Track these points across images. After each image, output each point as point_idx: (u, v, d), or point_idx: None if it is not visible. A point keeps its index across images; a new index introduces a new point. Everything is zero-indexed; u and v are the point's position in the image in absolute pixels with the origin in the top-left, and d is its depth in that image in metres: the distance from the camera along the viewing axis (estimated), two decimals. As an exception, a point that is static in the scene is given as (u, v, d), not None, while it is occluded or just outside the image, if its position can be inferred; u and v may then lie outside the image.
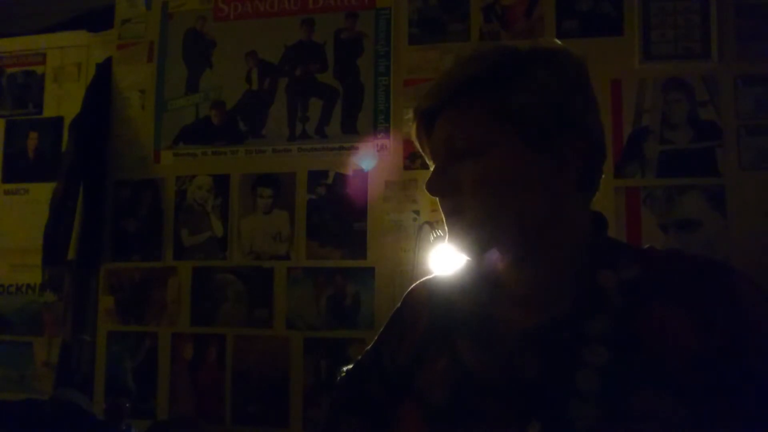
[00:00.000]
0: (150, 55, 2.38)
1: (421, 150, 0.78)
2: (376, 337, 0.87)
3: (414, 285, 0.88)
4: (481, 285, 0.77)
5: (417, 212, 2.07)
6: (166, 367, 2.22)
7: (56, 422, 1.84)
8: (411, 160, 2.11)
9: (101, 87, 2.38)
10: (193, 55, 2.35)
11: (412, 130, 0.77)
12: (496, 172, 0.69)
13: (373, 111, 2.17)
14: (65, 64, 2.50)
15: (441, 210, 0.74)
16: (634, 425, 0.61)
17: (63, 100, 2.48)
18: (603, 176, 0.75)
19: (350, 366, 0.87)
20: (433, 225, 1.87)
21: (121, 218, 2.33)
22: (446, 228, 0.74)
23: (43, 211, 2.31)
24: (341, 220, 2.15)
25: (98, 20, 2.45)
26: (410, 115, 2.07)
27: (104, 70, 2.40)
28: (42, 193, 2.39)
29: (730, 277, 0.66)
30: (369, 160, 2.15)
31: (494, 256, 0.76)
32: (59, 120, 2.46)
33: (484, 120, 0.70)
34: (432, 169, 0.74)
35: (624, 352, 0.64)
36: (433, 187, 0.73)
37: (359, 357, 0.88)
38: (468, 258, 0.76)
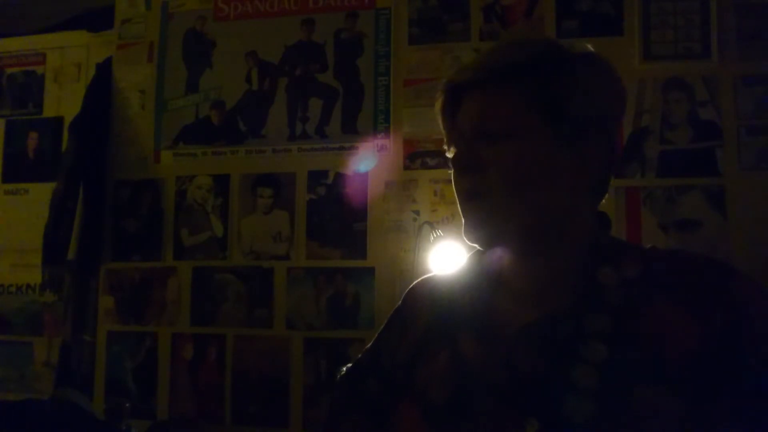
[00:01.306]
0: (150, 55, 2.38)
1: (441, 124, 0.78)
2: (376, 336, 0.88)
3: (414, 283, 0.88)
4: (482, 280, 0.78)
5: (417, 212, 2.07)
6: (166, 367, 2.22)
7: (56, 422, 1.84)
8: (411, 160, 2.11)
9: (101, 87, 2.39)
10: (193, 55, 2.35)
11: (437, 103, 0.77)
12: (525, 159, 0.69)
13: (373, 111, 2.17)
14: (65, 64, 2.50)
15: (458, 191, 0.74)
16: (632, 422, 0.61)
17: (63, 100, 2.48)
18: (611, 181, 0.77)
19: (350, 365, 0.87)
20: (433, 225, 1.87)
21: (121, 218, 2.33)
22: (462, 211, 0.73)
23: (43, 211, 2.31)
24: (341, 220, 2.15)
25: (98, 20, 2.46)
26: (411, 113, 2.10)
27: (104, 70, 2.41)
28: (42, 193, 2.39)
29: (729, 276, 0.67)
30: (369, 160, 2.15)
31: (498, 251, 0.76)
32: (59, 120, 2.47)
33: (520, 106, 0.70)
34: (449, 147, 0.75)
35: (623, 349, 0.64)
36: (460, 162, 0.73)
37: (359, 356, 0.88)
38: (473, 250, 0.76)
